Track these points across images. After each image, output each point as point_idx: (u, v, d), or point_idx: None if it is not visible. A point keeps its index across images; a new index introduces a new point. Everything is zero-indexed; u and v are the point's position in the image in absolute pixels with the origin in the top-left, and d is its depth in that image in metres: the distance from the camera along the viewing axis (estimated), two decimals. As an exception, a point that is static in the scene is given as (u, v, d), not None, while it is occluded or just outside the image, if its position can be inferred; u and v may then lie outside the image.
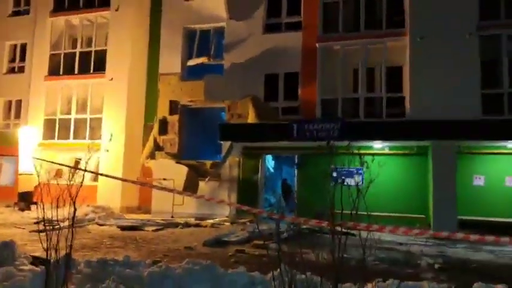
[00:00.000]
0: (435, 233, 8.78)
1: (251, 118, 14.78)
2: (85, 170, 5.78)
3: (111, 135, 17.37)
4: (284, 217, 6.64)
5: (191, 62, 16.60)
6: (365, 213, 6.39)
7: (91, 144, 7.53)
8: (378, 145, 13.57)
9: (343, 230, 7.64)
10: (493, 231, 11.95)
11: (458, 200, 12.15)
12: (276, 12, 15.70)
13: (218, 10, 16.09)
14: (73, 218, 4.37)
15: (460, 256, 8.92)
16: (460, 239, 7.94)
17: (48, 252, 4.21)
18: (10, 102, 20.68)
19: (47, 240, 4.26)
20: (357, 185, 6.98)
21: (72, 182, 5.67)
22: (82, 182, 4.62)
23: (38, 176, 4.97)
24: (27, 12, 20.68)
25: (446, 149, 12.21)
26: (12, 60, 21.00)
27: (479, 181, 13.08)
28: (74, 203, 4.58)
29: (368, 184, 6.27)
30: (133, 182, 11.50)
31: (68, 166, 5.89)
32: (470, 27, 12.75)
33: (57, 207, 4.65)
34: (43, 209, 4.41)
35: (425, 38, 13.02)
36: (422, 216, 12.79)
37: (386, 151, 13.74)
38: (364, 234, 5.96)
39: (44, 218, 4.42)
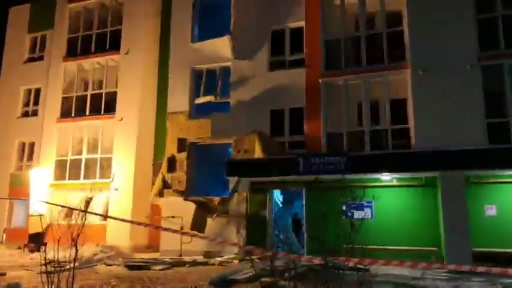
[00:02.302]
0: (442, 265, 8.53)
1: (257, 153, 14.87)
2: (89, 212, 5.88)
3: (113, 175, 17.55)
4: (277, 254, 6.56)
5: (198, 101, 16.98)
6: (375, 247, 6.32)
7: (93, 185, 7.61)
8: (385, 177, 13.48)
9: (354, 266, 7.51)
10: (509, 262, 11.65)
11: (471, 232, 11.87)
12: (279, 50, 16.16)
13: (223, 50, 16.61)
14: (74, 259, 4.42)
15: (474, 291, 8.62)
16: (469, 271, 7.70)
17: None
18: (23, 144, 21.21)
19: (48, 283, 4.30)
20: (362, 219, 6.92)
21: (79, 222, 5.80)
22: (83, 223, 4.70)
23: (41, 218, 5.09)
24: (41, 58, 21.64)
25: (454, 179, 12.09)
26: (27, 104, 21.73)
27: (491, 211, 12.79)
28: (76, 245, 4.64)
29: (361, 221, 6.22)
30: (138, 223, 11.52)
31: (73, 208, 6.00)
32: (471, 58, 12.93)
33: (57, 248, 4.70)
34: (44, 251, 4.50)
35: (427, 70, 13.24)
36: (435, 249, 12.47)
37: (395, 183, 13.61)
38: (377, 268, 5.89)
39: (45, 259, 4.48)
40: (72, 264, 5.40)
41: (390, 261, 6.19)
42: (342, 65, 14.63)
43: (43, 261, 6.29)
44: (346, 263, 7.20)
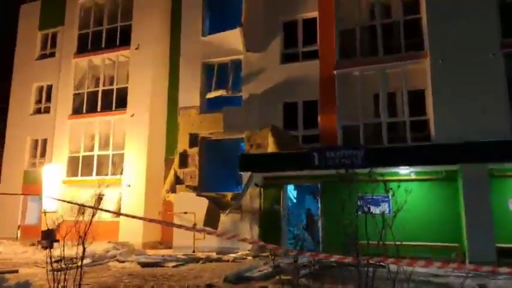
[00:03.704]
0: (477, 266, 8.08)
1: (271, 148, 14.56)
2: (99, 209, 5.65)
3: (122, 169, 17.84)
4: (303, 253, 6.22)
5: (210, 95, 16.70)
6: (394, 243, 5.94)
7: (101, 181, 7.35)
8: (403, 171, 13.04)
9: (372, 262, 7.10)
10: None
11: (494, 227, 11.39)
12: (292, 42, 15.77)
13: (235, 43, 16.28)
14: (82, 258, 4.19)
15: (502, 288, 8.20)
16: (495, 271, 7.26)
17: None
18: (36, 141, 21.23)
19: (54, 281, 4.08)
20: (382, 213, 6.45)
21: (90, 219, 5.59)
22: (91, 221, 4.46)
23: (44, 214, 4.88)
24: (53, 54, 21.60)
25: (476, 172, 11.60)
26: (39, 101, 21.74)
27: (515, 205, 12.28)
28: (83, 243, 4.41)
29: (395, 213, 5.81)
30: (149, 220, 11.26)
31: (81, 205, 5.78)
32: (493, 46, 12.38)
33: (63, 245, 4.46)
34: (51, 248, 4.30)
35: (447, 59, 12.74)
36: (456, 244, 12.01)
37: (413, 177, 13.16)
38: (394, 266, 5.55)
39: (51, 257, 4.28)
40: (82, 262, 5.19)
41: (415, 261, 5.77)
42: (358, 56, 14.18)
43: (52, 259, 6.12)
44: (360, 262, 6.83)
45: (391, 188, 5.76)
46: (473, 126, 12.07)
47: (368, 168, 12.31)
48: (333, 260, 9.62)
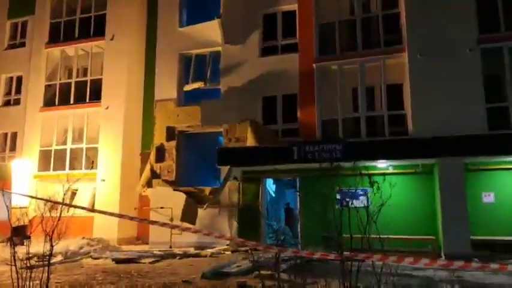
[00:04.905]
0: (448, 262, 8.12)
1: (250, 141, 14.40)
2: (68, 205, 5.36)
3: (104, 180, 17.07)
4: (285, 250, 6.09)
5: (187, 87, 16.37)
6: (374, 236, 5.87)
7: (70, 175, 6.94)
8: (381, 165, 13.11)
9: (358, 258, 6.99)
10: (508, 250, 11.42)
11: (469, 219, 11.59)
12: (271, 35, 15.58)
13: (213, 35, 15.98)
14: (49, 256, 3.92)
15: (478, 280, 8.33)
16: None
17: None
18: (5, 134, 20.37)
19: (18, 279, 3.81)
20: (366, 207, 6.37)
21: (63, 214, 5.30)
22: (59, 217, 4.18)
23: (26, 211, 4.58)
24: (23, 44, 20.67)
25: (453, 166, 11.75)
26: (8, 93, 20.84)
27: (489, 198, 12.54)
28: (51, 240, 4.13)
29: (380, 206, 5.73)
30: (129, 217, 10.81)
31: (49, 201, 5.48)
32: (470, 41, 12.53)
33: (37, 241, 4.19)
34: (14, 245, 4.04)
35: (425, 53, 12.83)
36: (432, 237, 12.18)
37: (391, 170, 13.25)
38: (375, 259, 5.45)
39: (14, 254, 4.01)
40: (49, 261, 4.92)
41: (402, 258, 5.68)
42: (337, 50, 14.14)
43: (23, 256, 5.88)
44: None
45: (376, 181, 5.71)
46: (450, 120, 12.21)
47: (349, 162, 12.39)
48: (316, 257, 9.60)
